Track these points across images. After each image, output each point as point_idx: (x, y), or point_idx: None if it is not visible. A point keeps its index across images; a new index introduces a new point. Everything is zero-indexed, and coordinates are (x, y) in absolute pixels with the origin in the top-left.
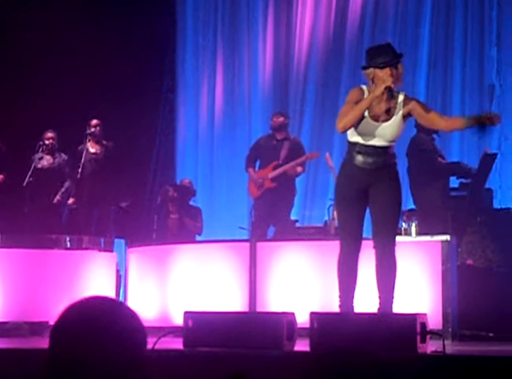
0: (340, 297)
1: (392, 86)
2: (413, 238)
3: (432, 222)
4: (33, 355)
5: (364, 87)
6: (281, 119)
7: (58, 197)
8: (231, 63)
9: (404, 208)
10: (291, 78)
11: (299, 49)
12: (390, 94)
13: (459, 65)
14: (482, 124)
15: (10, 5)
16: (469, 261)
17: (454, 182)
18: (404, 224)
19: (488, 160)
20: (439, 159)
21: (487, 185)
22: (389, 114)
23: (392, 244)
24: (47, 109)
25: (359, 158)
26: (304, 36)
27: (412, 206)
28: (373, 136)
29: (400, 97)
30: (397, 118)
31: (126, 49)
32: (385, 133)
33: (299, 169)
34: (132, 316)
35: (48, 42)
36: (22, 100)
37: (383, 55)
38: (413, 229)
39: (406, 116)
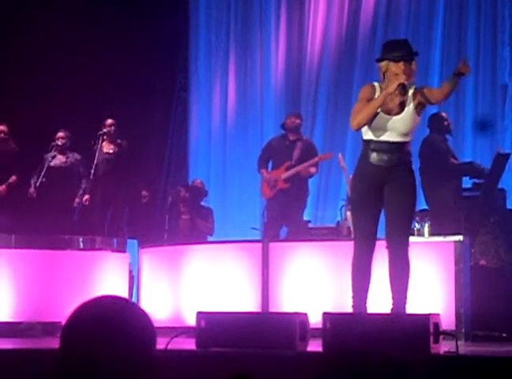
0: (353, 297)
1: (405, 83)
2: (426, 238)
3: (445, 222)
4: (46, 355)
5: (376, 83)
6: (298, 121)
7: (77, 200)
8: (244, 63)
9: (416, 208)
10: (304, 78)
11: (311, 49)
12: (403, 90)
13: (472, 65)
14: (460, 74)
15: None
16: (482, 262)
17: (467, 183)
18: (417, 225)
19: (501, 160)
20: (452, 159)
21: (500, 186)
22: (401, 107)
23: (405, 244)
24: (60, 109)
25: (374, 155)
26: (317, 36)
27: (425, 206)
28: (386, 130)
29: (411, 90)
30: (408, 110)
31: (139, 48)
32: (397, 126)
33: (312, 170)
34: (142, 315)
35: (61, 41)
36: (34, 100)
37: (399, 49)
38: (426, 229)
39: (418, 107)
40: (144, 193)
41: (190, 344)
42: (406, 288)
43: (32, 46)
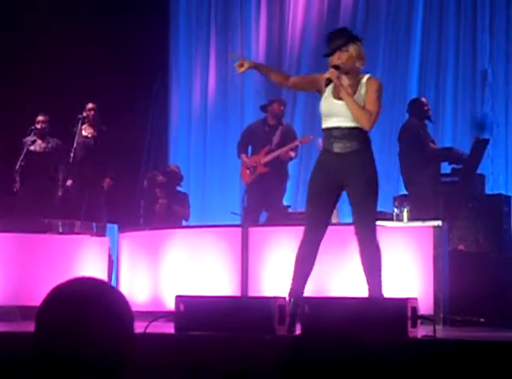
0: (292, 282)
1: (338, 65)
2: (405, 223)
3: (424, 207)
4: (24, 339)
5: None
6: (283, 108)
7: (59, 193)
8: (224, 47)
9: (395, 193)
10: (285, 63)
11: (292, 33)
12: (337, 69)
13: (452, 51)
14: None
15: None
16: (461, 247)
17: (446, 168)
18: (395, 210)
19: (480, 146)
20: (431, 144)
21: (479, 171)
22: (352, 91)
23: (372, 230)
24: (41, 93)
25: (331, 142)
26: (297, 21)
27: (404, 191)
28: (339, 116)
29: (365, 77)
30: (359, 95)
31: (120, 33)
32: (345, 110)
33: (292, 154)
34: (118, 296)
35: (49, 32)
36: (16, 84)
37: (328, 43)
38: (405, 214)
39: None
40: (107, 180)
41: (168, 328)
42: (379, 273)
43: (19, 36)
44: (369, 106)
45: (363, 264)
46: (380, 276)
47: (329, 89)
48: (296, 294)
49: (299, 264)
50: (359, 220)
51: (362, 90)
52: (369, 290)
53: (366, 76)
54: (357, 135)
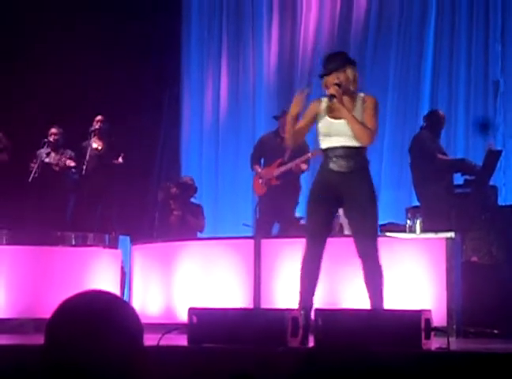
0: (300, 296)
1: (339, 83)
2: (418, 235)
3: (436, 219)
4: (37, 352)
5: (323, 98)
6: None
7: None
8: (236, 58)
9: (408, 205)
10: (296, 74)
11: (304, 44)
12: (340, 89)
13: (464, 61)
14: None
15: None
16: (474, 258)
17: (459, 179)
18: (408, 221)
19: (493, 157)
20: (442, 156)
21: (491, 183)
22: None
23: (374, 249)
24: (53, 105)
25: (331, 162)
26: (309, 31)
27: (417, 203)
28: (339, 135)
29: (360, 95)
30: (357, 114)
31: (131, 44)
32: (348, 129)
33: (304, 166)
34: (127, 309)
35: (52, 39)
36: (27, 96)
37: (326, 64)
38: (418, 226)
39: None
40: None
41: (181, 340)
42: (381, 293)
43: (21, 43)
44: (368, 124)
45: (365, 284)
46: (382, 296)
47: (323, 109)
48: (306, 307)
49: (305, 279)
50: (360, 237)
51: (358, 108)
52: (371, 306)
53: (361, 95)
54: (357, 154)
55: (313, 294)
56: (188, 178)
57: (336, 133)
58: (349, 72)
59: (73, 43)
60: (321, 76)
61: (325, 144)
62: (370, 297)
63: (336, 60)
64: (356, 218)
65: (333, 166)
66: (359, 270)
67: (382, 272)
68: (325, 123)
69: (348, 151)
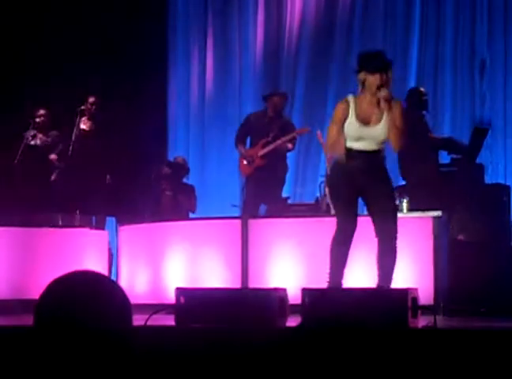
0: (329, 273)
1: (386, 96)
2: (404, 214)
3: (423, 198)
4: (24, 333)
5: (350, 97)
6: (284, 102)
7: (52, 177)
8: (222, 36)
9: (394, 184)
10: (283, 52)
11: (290, 21)
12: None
13: (451, 40)
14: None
15: None
16: (460, 237)
17: (445, 158)
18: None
19: (480, 135)
20: (429, 134)
21: (478, 161)
22: (380, 118)
23: (395, 231)
24: (41, 87)
25: (354, 159)
26: (296, 8)
27: (403, 182)
28: (365, 139)
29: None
30: (386, 119)
31: (117, 20)
32: (376, 135)
33: (289, 145)
34: (115, 288)
35: (49, 21)
36: (14, 77)
37: (374, 61)
38: (404, 205)
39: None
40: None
41: (169, 321)
42: (391, 273)
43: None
44: (402, 128)
45: (377, 264)
46: (392, 274)
47: (351, 114)
48: (335, 286)
49: (334, 262)
50: (382, 217)
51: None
52: (378, 282)
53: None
54: (378, 154)
55: (343, 273)
56: (180, 158)
57: (365, 138)
58: (390, 73)
59: (63, 30)
60: (359, 72)
61: (350, 144)
62: (380, 275)
63: (381, 60)
64: (380, 198)
65: (355, 162)
66: (357, 250)
67: (396, 255)
68: (355, 128)
69: (371, 153)
